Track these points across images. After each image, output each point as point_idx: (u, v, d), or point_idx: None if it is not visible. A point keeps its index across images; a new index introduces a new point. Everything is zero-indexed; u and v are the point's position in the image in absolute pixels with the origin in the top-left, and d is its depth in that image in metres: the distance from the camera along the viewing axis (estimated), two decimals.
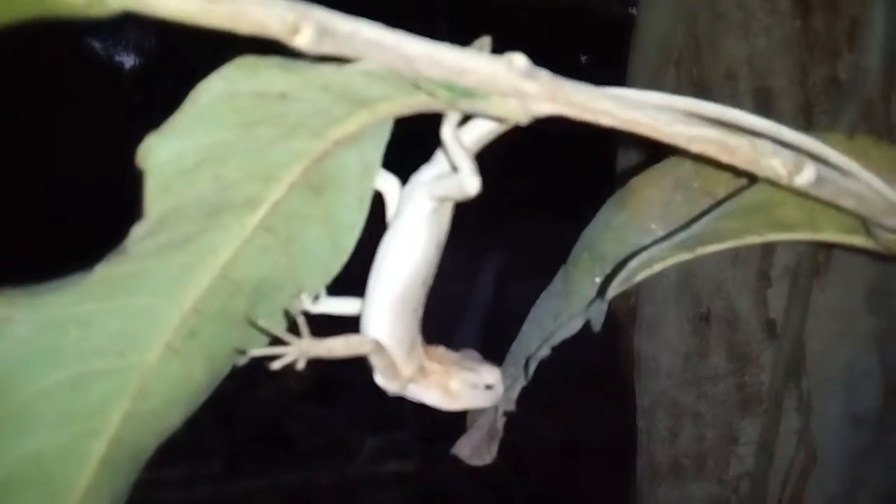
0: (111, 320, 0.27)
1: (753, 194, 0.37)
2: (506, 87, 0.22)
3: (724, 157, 0.26)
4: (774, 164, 0.26)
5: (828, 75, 1.04)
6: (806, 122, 1.08)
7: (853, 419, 1.14)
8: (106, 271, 0.25)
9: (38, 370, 0.27)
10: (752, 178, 0.35)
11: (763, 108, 1.10)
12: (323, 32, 0.19)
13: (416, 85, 0.22)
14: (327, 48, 0.20)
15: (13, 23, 0.19)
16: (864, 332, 1.11)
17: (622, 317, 1.29)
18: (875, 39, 0.98)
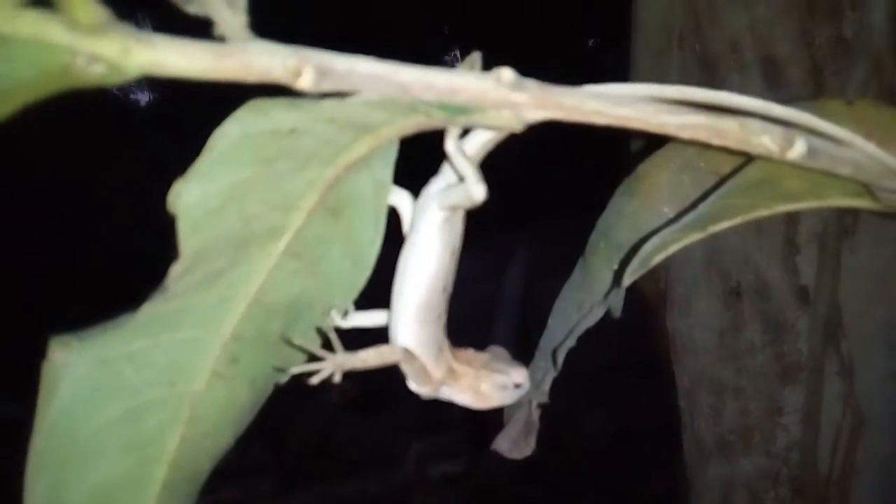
0: (160, 354, 0.29)
1: (757, 169, 0.38)
2: (497, 101, 0.23)
3: (716, 140, 0.27)
4: (765, 141, 0.27)
5: (833, 35, 1.03)
6: (816, 85, 1.07)
7: None
8: (151, 310, 0.27)
9: (97, 407, 0.30)
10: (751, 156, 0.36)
11: (771, 75, 1.09)
12: (322, 73, 0.21)
13: (413, 108, 0.24)
14: (327, 86, 0.22)
15: (41, 100, 0.21)
16: None
17: (653, 300, 1.29)
18: None
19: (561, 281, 0.49)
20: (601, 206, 0.48)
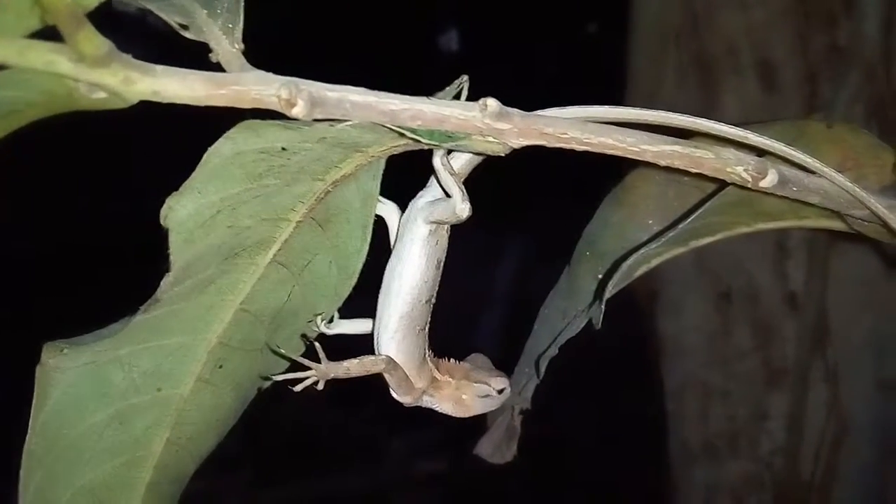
0: (148, 360, 0.30)
1: (738, 190, 0.39)
2: (482, 129, 0.24)
3: (693, 169, 0.28)
4: (739, 171, 0.28)
5: (828, 43, 1.04)
6: (810, 91, 1.08)
7: (883, 385, 1.14)
8: (141, 317, 0.28)
9: (86, 410, 0.30)
10: None
11: (766, 79, 1.10)
12: (315, 103, 0.22)
13: (401, 134, 0.25)
14: (320, 114, 0.23)
15: (48, 117, 0.22)
16: (886, 297, 1.11)
17: (643, 300, 1.30)
18: (871, 5, 0.98)
19: (552, 277, 0.50)
20: (596, 200, 0.49)
